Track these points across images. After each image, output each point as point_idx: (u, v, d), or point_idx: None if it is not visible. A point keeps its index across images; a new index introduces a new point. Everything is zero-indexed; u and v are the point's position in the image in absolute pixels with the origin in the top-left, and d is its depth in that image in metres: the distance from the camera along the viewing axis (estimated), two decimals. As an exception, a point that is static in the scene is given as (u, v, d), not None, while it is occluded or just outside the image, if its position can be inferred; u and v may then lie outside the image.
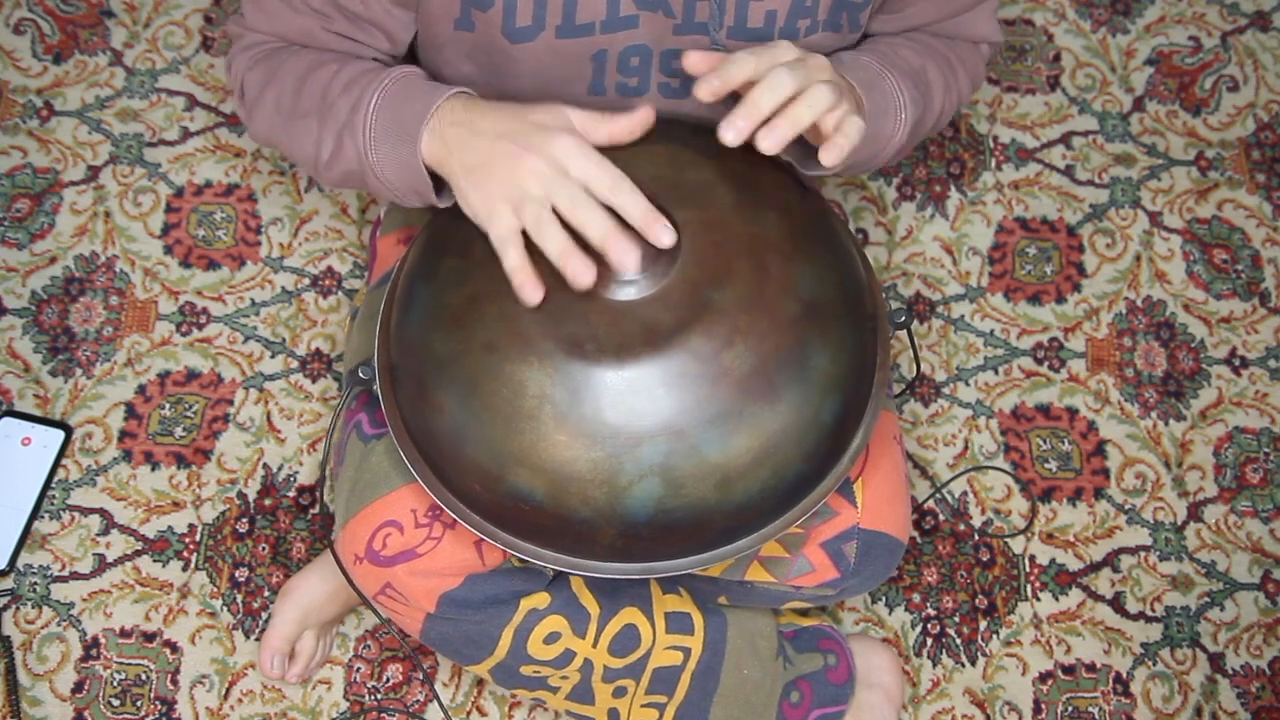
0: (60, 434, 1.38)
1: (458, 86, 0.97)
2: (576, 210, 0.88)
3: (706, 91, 0.90)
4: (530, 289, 0.90)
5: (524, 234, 0.90)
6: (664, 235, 0.88)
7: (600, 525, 0.92)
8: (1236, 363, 1.47)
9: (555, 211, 0.89)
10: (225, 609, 1.34)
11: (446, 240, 0.98)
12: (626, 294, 0.91)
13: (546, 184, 0.89)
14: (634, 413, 0.89)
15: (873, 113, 1.00)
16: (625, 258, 0.87)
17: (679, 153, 0.95)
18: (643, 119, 0.92)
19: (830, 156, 0.90)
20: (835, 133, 0.91)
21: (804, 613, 1.31)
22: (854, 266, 1.00)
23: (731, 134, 0.88)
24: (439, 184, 0.98)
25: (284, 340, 1.45)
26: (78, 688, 1.30)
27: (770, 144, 0.88)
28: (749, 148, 0.89)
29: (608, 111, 0.94)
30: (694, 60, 0.92)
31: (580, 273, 0.88)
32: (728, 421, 0.90)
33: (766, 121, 0.89)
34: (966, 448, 1.43)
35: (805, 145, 0.98)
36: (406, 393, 0.99)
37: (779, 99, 0.89)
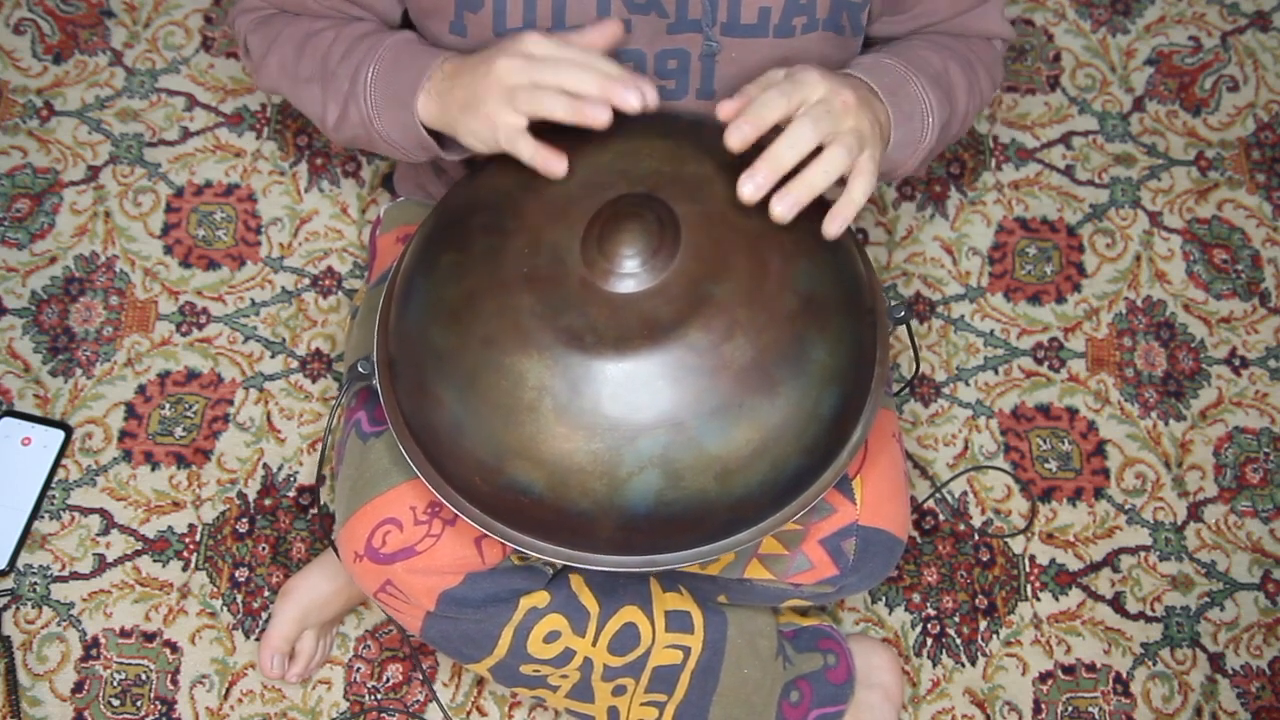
0: (60, 434, 1.38)
1: (445, 52, 1.01)
2: (562, 77, 0.91)
3: (737, 140, 0.89)
4: (554, 160, 0.92)
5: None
6: (649, 92, 0.90)
7: (600, 518, 0.92)
8: (1236, 363, 1.47)
9: (550, 86, 0.91)
10: (225, 609, 1.34)
11: (446, 235, 0.98)
12: (626, 286, 0.91)
13: (525, 70, 0.92)
14: (633, 405, 0.89)
15: (898, 118, 0.99)
16: (632, 96, 0.89)
17: (679, 147, 0.96)
18: (612, 30, 0.94)
19: (833, 227, 0.91)
20: (842, 198, 0.91)
21: (804, 612, 1.31)
22: (853, 262, 1.00)
23: (750, 189, 0.89)
24: (443, 140, 1.03)
25: (284, 340, 1.45)
26: (78, 688, 1.30)
27: (783, 211, 0.89)
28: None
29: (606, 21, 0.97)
30: (725, 109, 0.92)
31: (597, 113, 0.90)
32: (727, 414, 0.90)
33: (785, 176, 0.89)
34: (966, 448, 1.43)
35: None
36: (406, 387, 0.99)
37: (800, 155, 0.89)
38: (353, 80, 1.03)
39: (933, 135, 1.03)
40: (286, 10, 1.11)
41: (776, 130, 0.90)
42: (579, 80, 0.91)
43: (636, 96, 0.90)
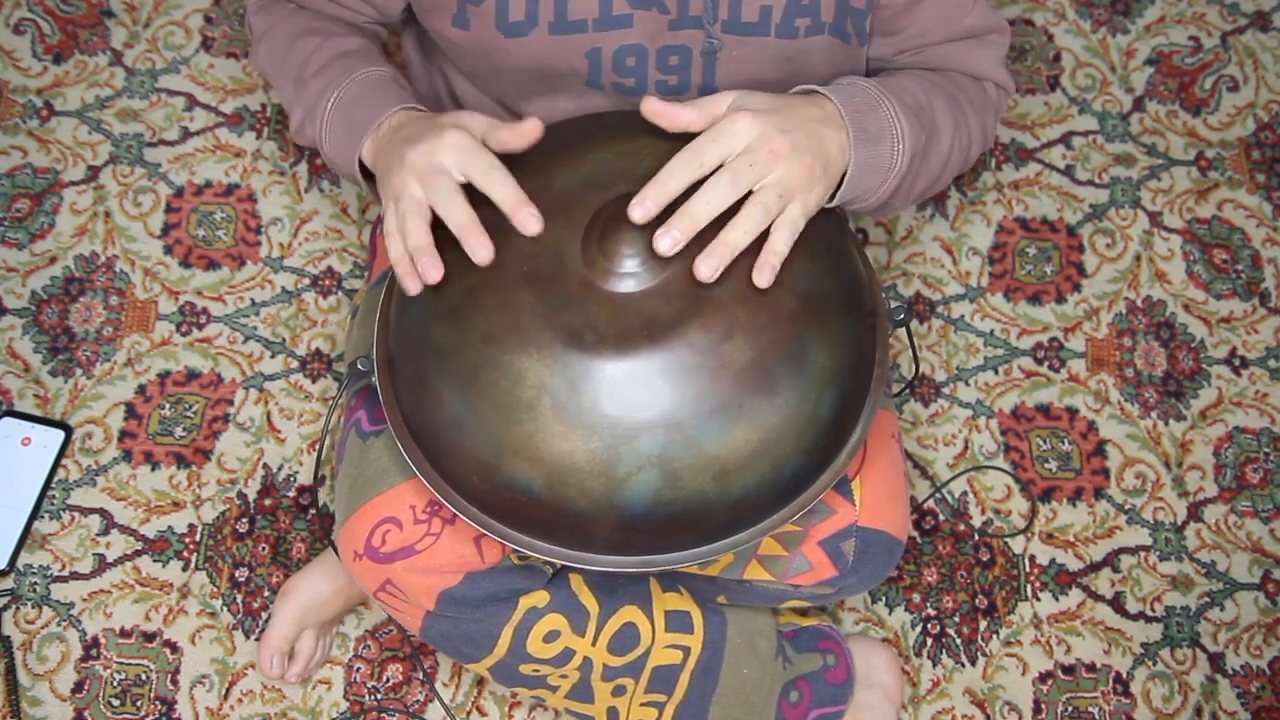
0: (60, 434, 1.38)
1: (405, 103, 1.04)
2: (438, 203, 0.93)
3: (639, 214, 0.90)
4: (408, 281, 0.95)
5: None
6: (530, 223, 0.91)
7: (598, 517, 0.92)
8: (1236, 363, 1.47)
9: (427, 204, 0.94)
10: (225, 609, 1.34)
11: (446, 232, 0.99)
12: (626, 286, 0.91)
13: (420, 178, 0.94)
14: (632, 404, 0.89)
15: (859, 139, 0.97)
16: (478, 250, 0.91)
17: (678, 148, 0.95)
18: (530, 130, 0.95)
19: (761, 278, 0.91)
20: (764, 250, 0.91)
21: (803, 612, 1.31)
22: (853, 263, 1.00)
23: (666, 244, 0.89)
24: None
25: (284, 340, 1.45)
26: (78, 688, 1.30)
27: (707, 272, 0.89)
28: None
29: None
30: (652, 109, 0.93)
31: (428, 269, 0.93)
32: (726, 414, 0.90)
33: (703, 236, 0.90)
34: (966, 448, 1.43)
35: None
36: (405, 385, 0.99)
37: (716, 210, 0.90)
38: (318, 98, 1.07)
39: (903, 162, 1.00)
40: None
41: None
42: (449, 210, 0.93)
43: (483, 254, 0.92)
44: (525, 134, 0.95)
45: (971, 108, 1.11)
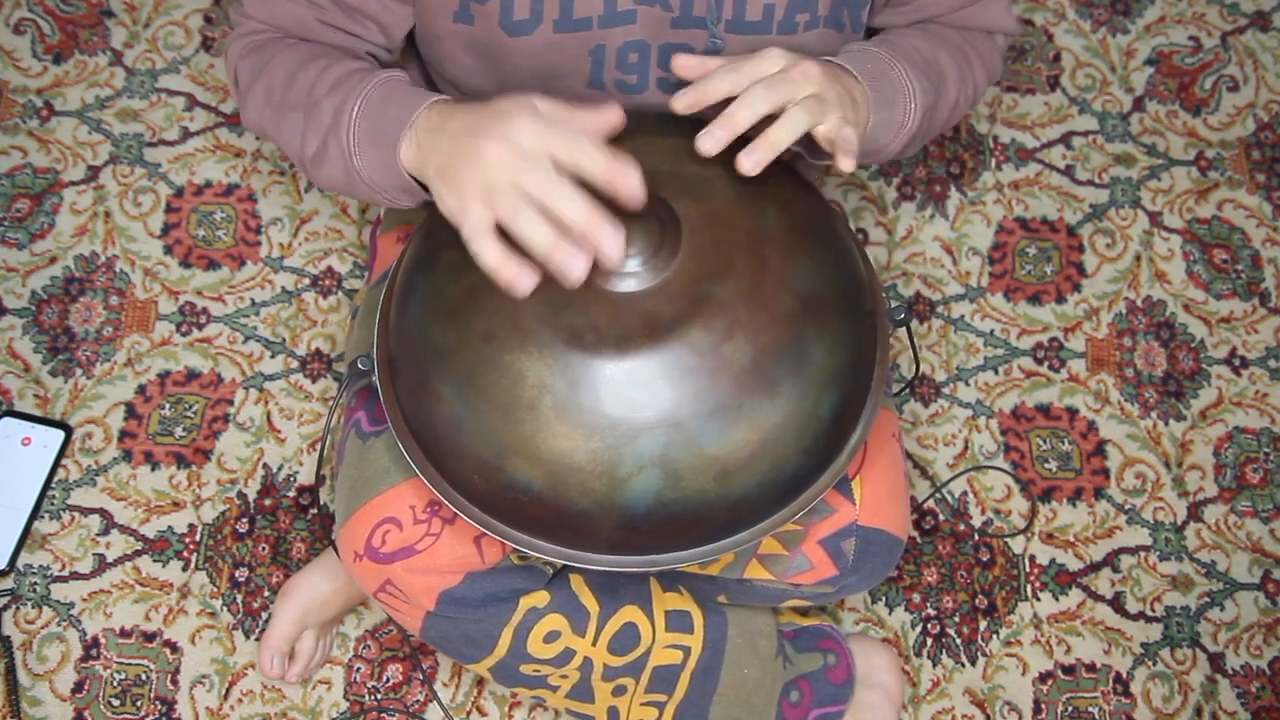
0: (60, 434, 1.38)
1: (438, 95, 0.96)
2: (547, 195, 0.83)
3: (682, 105, 0.91)
4: (520, 278, 0.84)
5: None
6: (631, 181, 0.83)
7: (599, 517, 0.92)
8: (1236, 363, 1.47)
9: (532, 199, 0.84)
10: (225, 609, 1.34)
11: (446, 232, 0.98)
12: (627, 286, 0.91)
13: (510, 169, 0.84)
14: (633, 404, 0.89)
15: (879, 102, 1.00)
16: (609, 244, 0.83)
17: (679, 147, 0.96)
18: (612, 117, 0.88)
19: (845, 163, 0.92)
20: (838, 141, 0.92)
21: (804, 612, 1.31)
22: (853, 263, 1.00)
23: (709, 143, 0.89)
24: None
25: (284, 340, 1.45)
26: (78, 688, 1.30)
27: (749, 165, 0.90)
28: (747, 142, 0.90)
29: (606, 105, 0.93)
30: (682, 64, 0.93)
31: (569, 265, 0.83)
32: (727, 414, 0.90)
33: (747, 139, 0.90)
34: (966, 448, 1.43)
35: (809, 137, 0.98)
36: (405, 384, 0.99)
37: (756, 116, 0.90)
38: (337, 114, 0.97)
39: (914, 120, 1.04)
40: (286, 35, 1.07)
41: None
42: (565, 203, 0.83)
43: (617, 248, 0.83)
44: (607, 119, 0.87)
45: (979, 57, 1.13)
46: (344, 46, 1.06)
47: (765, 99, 0.90)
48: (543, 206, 0.84)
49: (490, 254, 0.85)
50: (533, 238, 0.84)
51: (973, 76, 1.12)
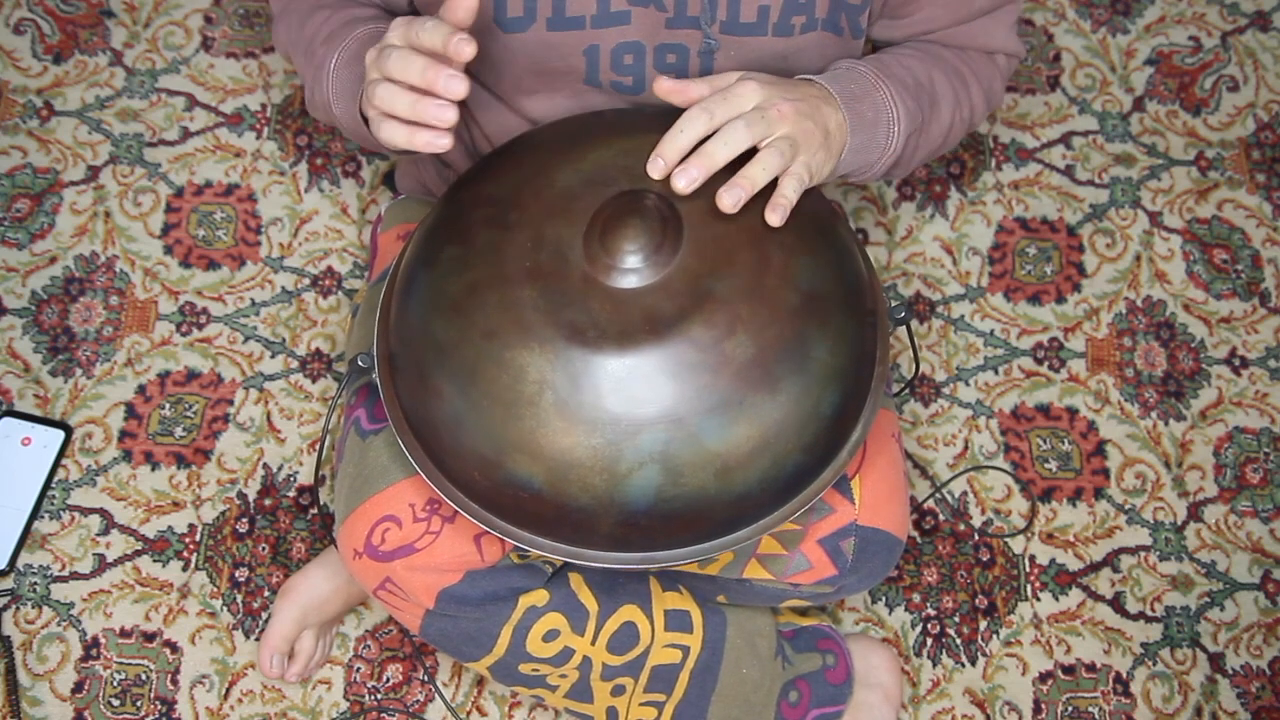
0: (60, 434, 1.38)
1: None
2: (393, 70, 0.89)
3: (656, 172, 0.92)
4: (431, 139, 0.90)
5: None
6: (464, 47, 0.87)
7: (599, 513, 0.92)
8: (1236, 363, 1.47)
9: (387, 79, 0.90)
10: (225, 609, 1.34)
11: (447, 229, 0.99)
12: (628, 282, 0.91)
13: (375, 66, 0.92)
14: (634, 400, 0.89)
15: (856, 125, 1.00)
16: (449, 83, 0.87)
17: None
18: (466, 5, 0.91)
19: (775, 216, 0.93)
20: (775, 193, 0.93)
21: (803, 612, 1.31)
22: (854, 261, 1.00)
23: (684, 181, 0.91)
24: None
25: (284, 340, 1.45)
26: (78, 688, 1.30)
27: (730, 201, 0.91)
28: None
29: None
30: (665, 88, 0.94)
31: (431, 111, 0.88)
32: (728, 410, 0.90)
33: (724, 175, 0.92)
34: (966, 448, 1.43)
35: None
36: (406, 381, 0.99)
37: (734, 151, 0.92)
38: (322, 64, 1.06)
39: (898, 142, 1.04)
40: None
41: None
42: (406, 70, 0.89)
43: (458, 86, 0.88)
44: (458, 10, 0.91)
45: (976, 79, 1.13)
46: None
47: (745, 135, 0.92)
48: (394, 79, 0.90)
49: (396, 134, 0.91)
50: (395, 106, 0.90)
51: (969, 99, 1.12)
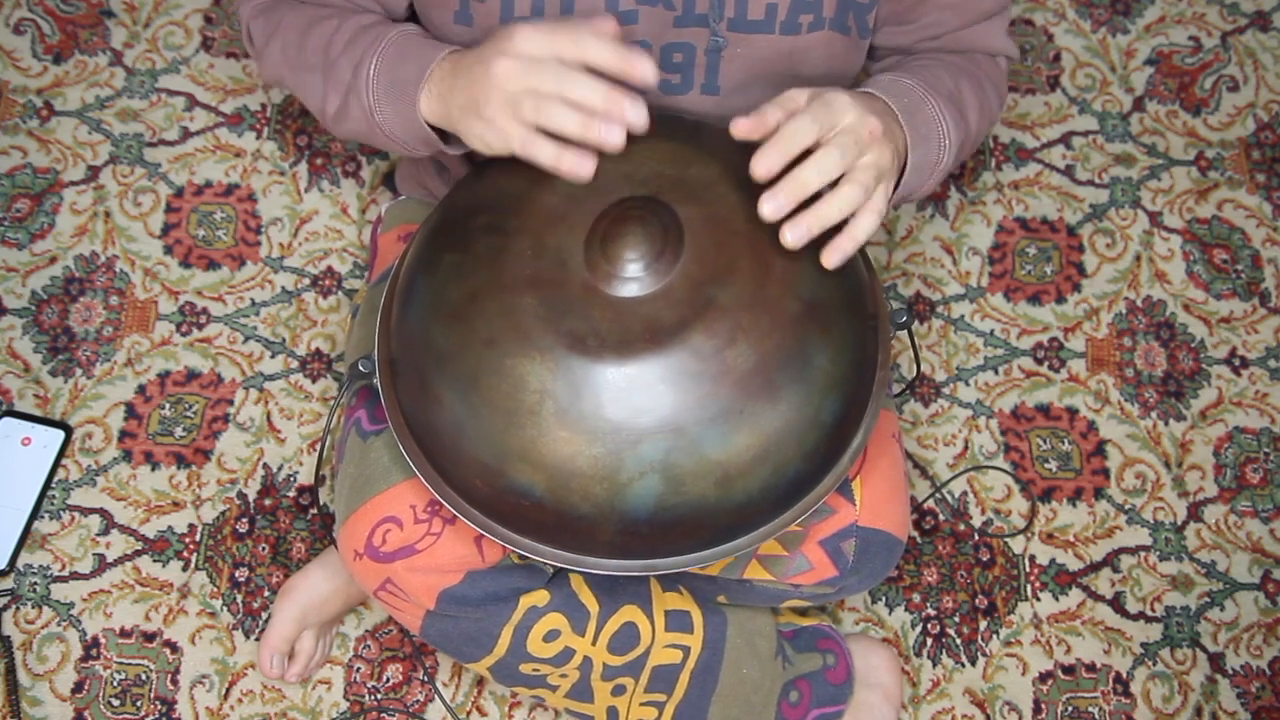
0: (60, 434, 1.38)
1: (451, 45, 0.99)
2: (563, 87, 0.88)
3: (763, 170, 0.88)
4: (580, 162, 0.89)
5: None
6: (644, 65, 0.87)
7: (600, 522, 0.92)
8: (1236, 363, 1.47)
9: (551, 95, 0.88)
10: (225, 609, 1.34)
11: (448, 235, 0.98)
12: (629, 290, 0.91)
13: (522, 77, 0.89)
14: (635, 409, 0.89)
15: (914, 142, 0.99)
16: (634, 113, 0.87)
17: (681, 150, 0.95)
18: (607, 26, 0.90)
19: (832, 259, 0.91)
20: (845, 232, 0.91)
21: (803, 612, 1.31)
22: (855, 266, 1.00)
23: (770, 208, 0.89)
24: (445, 134, 1.00)
25: (284, 340, 1.45)
26: (78, 688, 1.30)
27: (794, 239, 0.89)
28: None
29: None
30: (741, 127, 0.90)
31: (607, 134, 0.87)
32: (729, 419, 0.90)
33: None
34: (966, 448, 1.43)
35: None
36: (406, 387, 0.99)
37: (826, 180, 0.89)
38: (355, 72, 1.01)
39: (949, 156, 1.03)
40: None
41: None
42: (580, 89, 0.88)
43: (638, 116, 0.87)
44: (603, 27, 0.90)
45: (990, 84, 1.13)
46: (348, 8, 1.08)
47: (839, 163, 0.89)
48: (562, 98, 0.88)
49: (545, 151, 0.90)
50: (565, 125, 0.88)
51: (988, 104, 1.12)
